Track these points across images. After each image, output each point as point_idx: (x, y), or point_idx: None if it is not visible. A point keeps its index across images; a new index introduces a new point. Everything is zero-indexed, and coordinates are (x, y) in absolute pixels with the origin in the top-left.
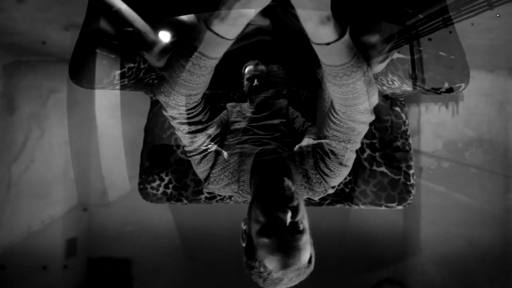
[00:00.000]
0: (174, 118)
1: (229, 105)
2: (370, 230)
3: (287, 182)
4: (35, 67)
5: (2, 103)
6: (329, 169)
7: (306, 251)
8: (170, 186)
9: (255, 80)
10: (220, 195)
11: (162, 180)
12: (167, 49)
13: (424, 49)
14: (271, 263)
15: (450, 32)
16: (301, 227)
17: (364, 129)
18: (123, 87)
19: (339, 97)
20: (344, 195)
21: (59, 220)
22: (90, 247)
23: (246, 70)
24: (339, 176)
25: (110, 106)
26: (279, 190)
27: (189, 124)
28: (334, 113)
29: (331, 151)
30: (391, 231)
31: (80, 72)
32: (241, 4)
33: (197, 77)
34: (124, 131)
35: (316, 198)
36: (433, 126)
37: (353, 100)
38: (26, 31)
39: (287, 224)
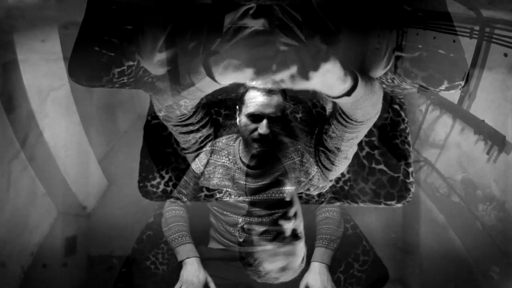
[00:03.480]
0: (167, 121)
1: (209, 149)
2: (369, 228)
3: (287, 188)
4: (34, 65)
5: (2, 101)
6: (334, 164)
7: (302, 254)
8: (170, 184)
9: (264, 122)
10: (219, 193)
11: (162, 178)
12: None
13: (423, 47)
14: (270, 265)
15: (454, 41)
16: (299, 233)
17: (373, 119)
18: (122, 85)
19: (353, 113)
20: (343, 193)
21: (59, 218)
22: (89, 245)
23: (250, 97)
24: (340, 169)
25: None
26: (285, 168)
27: (181, 126)
28: (346, 119)
29: (338, 148)
30: (390, 229)
31: (80, 70)
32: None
33: (188, 101)
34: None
35: (315, 193)
36: (461, 153)
37: (369, 114)
38: (25, 29)
39: (290, 231)
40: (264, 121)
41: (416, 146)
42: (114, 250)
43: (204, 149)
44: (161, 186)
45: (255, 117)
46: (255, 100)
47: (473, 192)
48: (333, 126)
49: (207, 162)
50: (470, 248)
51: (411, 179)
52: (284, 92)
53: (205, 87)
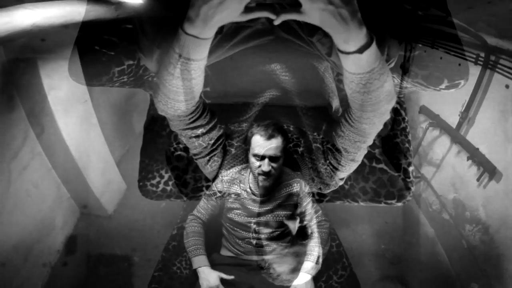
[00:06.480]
0: (175, 126)
1: (225, 179)
2: (361, 238)
3: (295, 186)
4: (34, 64)
5: (2, 100)
6: (341, 164)
7: (315, 254)
8: (170, 183)
9: (266, 161)
10: (220, 192)
11: (161, 177)
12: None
13: (424, 46)
14: (280, 267)
15: (441, 58)
16: (309, 231)
17: (380, 128)
18: (122, 84)
19: (360, 104)
20: (343, 192)
21: (59, 217)
22: (90, 244)
23: (254, 140)
24: (349, 170)
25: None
26: (285, 196)
27: (191, 129)
28: (352, 116)
29: (344, 149)
30: (391, 228)
31: (80, 69)
32: (210, 7)
33: (187, 82)
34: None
35: (327, 191)
36: (455, 175)
37: (374, 105)
38: (25, 28)
39: (295, 230)
40: (266, 160)
41: (415, 162)
42: (135, 250)
43: (216, 156)
44: (161, 186)
45: (259, 157)
46: (258, 144)
47: (462, 212)
48: (341, 125)
49: (222, 188)
50: (454, 263)
51: (411, 178)
52: (284, 135)
53: (190, 52)
